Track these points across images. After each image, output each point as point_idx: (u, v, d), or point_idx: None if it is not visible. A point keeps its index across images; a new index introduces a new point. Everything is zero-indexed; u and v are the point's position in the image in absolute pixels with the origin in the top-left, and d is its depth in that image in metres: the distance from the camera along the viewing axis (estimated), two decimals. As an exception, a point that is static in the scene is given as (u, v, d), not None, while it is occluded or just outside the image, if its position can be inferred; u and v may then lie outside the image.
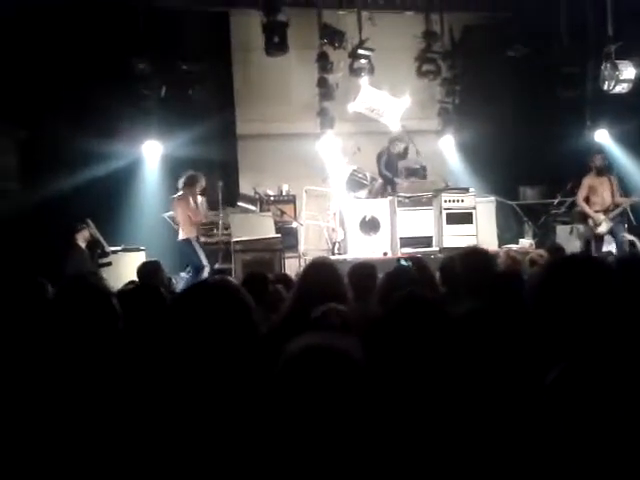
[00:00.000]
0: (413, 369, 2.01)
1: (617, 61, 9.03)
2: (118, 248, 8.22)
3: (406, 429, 1.63)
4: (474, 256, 4.50)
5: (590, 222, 8.75)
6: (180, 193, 8.15)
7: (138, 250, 8.15)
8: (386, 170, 9.55)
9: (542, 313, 1.33)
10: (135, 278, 5.73)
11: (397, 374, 2.05)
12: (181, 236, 8.09)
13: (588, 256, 1.42)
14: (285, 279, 4.64)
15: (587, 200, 8.82)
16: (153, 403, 1.78)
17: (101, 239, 8.03)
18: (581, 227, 8.90)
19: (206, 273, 7.56)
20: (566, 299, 1.31)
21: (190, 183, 8.12)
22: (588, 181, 8.81)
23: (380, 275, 4.39)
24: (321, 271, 3.51)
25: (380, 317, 2.27)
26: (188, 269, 8.01)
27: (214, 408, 1.66)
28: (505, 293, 3.25)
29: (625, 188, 8.99)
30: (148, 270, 5.65)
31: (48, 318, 1.78)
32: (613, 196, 8.72)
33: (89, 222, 7.98)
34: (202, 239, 8.24)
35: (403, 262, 5.19)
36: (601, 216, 8.70)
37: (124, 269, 7.54)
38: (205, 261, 7.88)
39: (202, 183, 8.25)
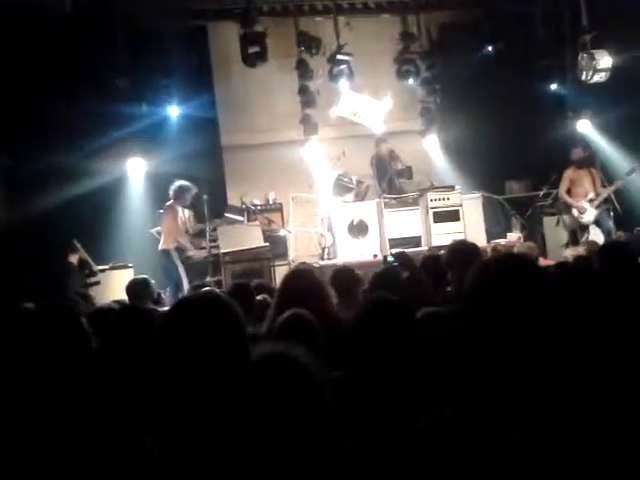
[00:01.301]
0: (383, 369, 2.04)
1: (593, 51, 9.10)
2: (106, 266, 8.23)
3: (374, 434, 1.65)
4: (459, 250, 4.54)
5: (575, 212, 8.84)
6: (169, 203, 8.17)
7: (126, 267, 8.15)
8: (378, 173, 9.62)
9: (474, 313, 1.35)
10: (124, 295, 5.76)
11: (370, 373, 2.09)
12: (161, 246, 8.09)
13: (509, 255, 1.44)
14: (265, 288, 4.64)
15: (569, 192, 8.93)
16: (134, 418, 1.80)
17: (88, 259, 8.05)
18: (566, 217, 8.97)
19: (185, 286, 7.54)
20: (491, 300, 1.33)
21: (179, 194, 8.13)
22: (569, 174, 8.94)
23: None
24: (301, 279, 3.52)
25: (350, 322, 2.31)
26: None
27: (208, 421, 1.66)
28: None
29: (609, 177, 9.06)
30: (137, 287, 5.68)
31: (21, 341, 1.80)
32: (595, 187, 8.81)
33: (76, 244, 7.99)
34: (191, 253, 8.22)
35: (390, 258, 5.21)
36: (585, 205, 8.79)
37: (113, 287, 7.55)
38: (184, 274, 7.86)
39: (192, 192, 8.24)
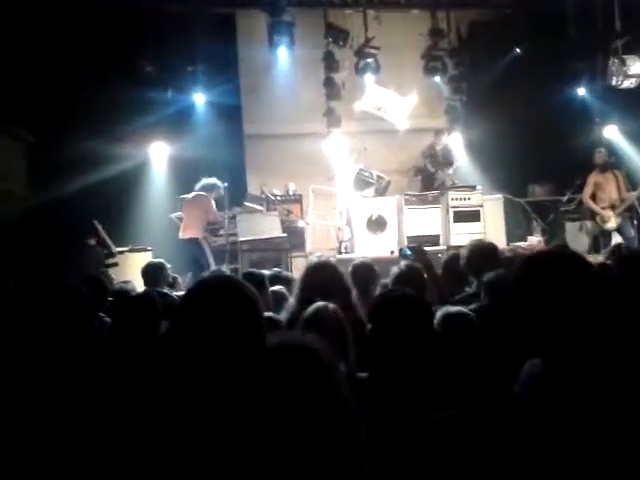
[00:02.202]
0: (399, 364, 2.02)
1: (625, 56, 8.96)
2: (125, 248, 8.27)
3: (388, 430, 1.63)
4: (479, 249, 4.49)
5: (598, 219, 8.74)
6: (204, 193, 8.14)
7: (145, 250, 8.18)
8: (430, 165, 9.77)
9: (516, 310, 1.32)
10: (140, 278, 5.79)
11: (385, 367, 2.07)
12: (190, 234, 8.05)
13: (559, 254, 1.40)
14: (281, 278, 4.61)
15: (593, 197, 8.82)
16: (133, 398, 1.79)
17: (107, 240, 8.09)
18: (589, 223, 8.87)
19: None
20: (534, 296, 1.30)
21: (212, 190, 8.17)
22: (593, 178, 8.82)
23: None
24: (324, 272, 3.48)
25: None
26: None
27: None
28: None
29: (635, 184, 8.92)
30: (152, 270, 5.70)
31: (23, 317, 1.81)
32: (620, 191, 8.70)
33: (96, 223, 8.05)
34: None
35: (406, 251, 5.17)
36: (609, 212, 8.68)
37: (131, 269, 7.57)
38: (213, 262, 7.90)
39: (220, 192, 8.26)
